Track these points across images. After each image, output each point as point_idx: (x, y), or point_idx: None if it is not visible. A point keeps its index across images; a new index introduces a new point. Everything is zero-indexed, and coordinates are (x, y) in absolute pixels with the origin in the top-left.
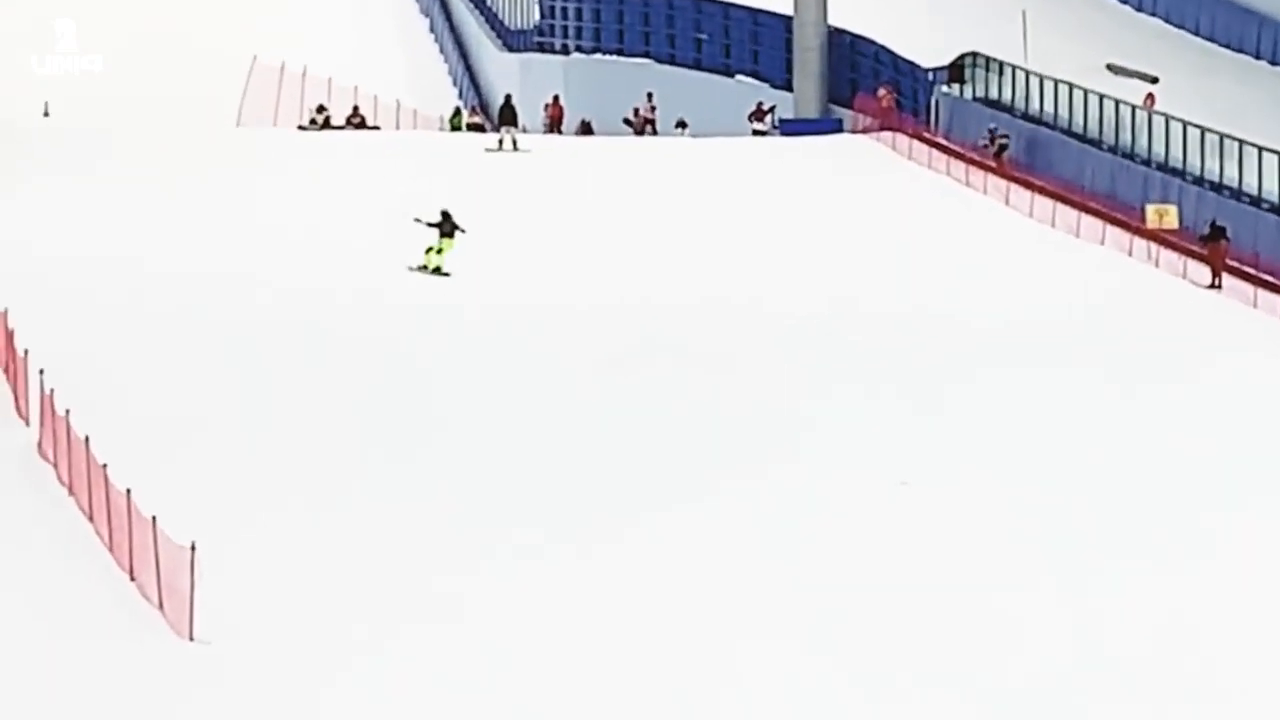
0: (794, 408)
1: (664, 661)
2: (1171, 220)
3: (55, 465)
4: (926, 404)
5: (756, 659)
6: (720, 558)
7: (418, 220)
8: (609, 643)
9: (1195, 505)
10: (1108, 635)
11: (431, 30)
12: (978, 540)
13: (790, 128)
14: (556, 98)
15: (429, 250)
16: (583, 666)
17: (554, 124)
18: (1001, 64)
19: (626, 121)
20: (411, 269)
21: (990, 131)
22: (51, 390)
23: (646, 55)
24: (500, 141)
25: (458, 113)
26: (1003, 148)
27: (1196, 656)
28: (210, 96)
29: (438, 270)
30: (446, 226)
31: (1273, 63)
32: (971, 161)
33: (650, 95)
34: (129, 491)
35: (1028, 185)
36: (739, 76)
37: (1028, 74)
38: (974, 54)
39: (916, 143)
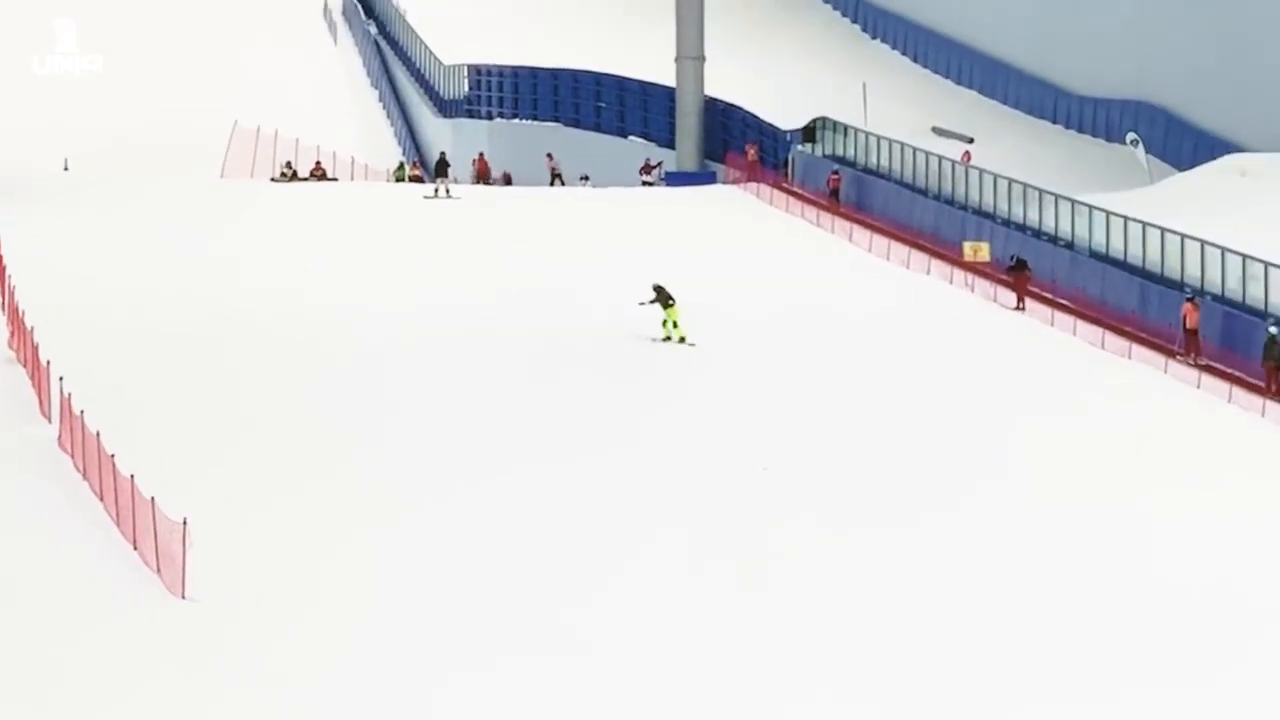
0: (678, 391)
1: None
2: (984, 255)
3: (72, 455)
4: (788, 390)
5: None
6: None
7: (641, 303)
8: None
9: (999, 449)
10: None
11: (380, 99)
12: (828, 487)
13: (674, 180)
14: (482, 154)
15: (664, 323)
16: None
17: (480, 176)
18: (846, 126)
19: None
20: (656, 340)
21: (830, 174)
22: (69, 394)
23: (555, 120)
24: (436, 190)
25: (401, 166)
26: (835, 191)
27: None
28: (198, 153)
29: (683, 340)
30: (662, 297)
31: (1066, 127)
32: (822, 207)
33: (550, 154)
34: (132, 476)
35: (861, 223)
36: (631, 137)
37: (867, 135)
38: (824, 118)
39: (777, 192)
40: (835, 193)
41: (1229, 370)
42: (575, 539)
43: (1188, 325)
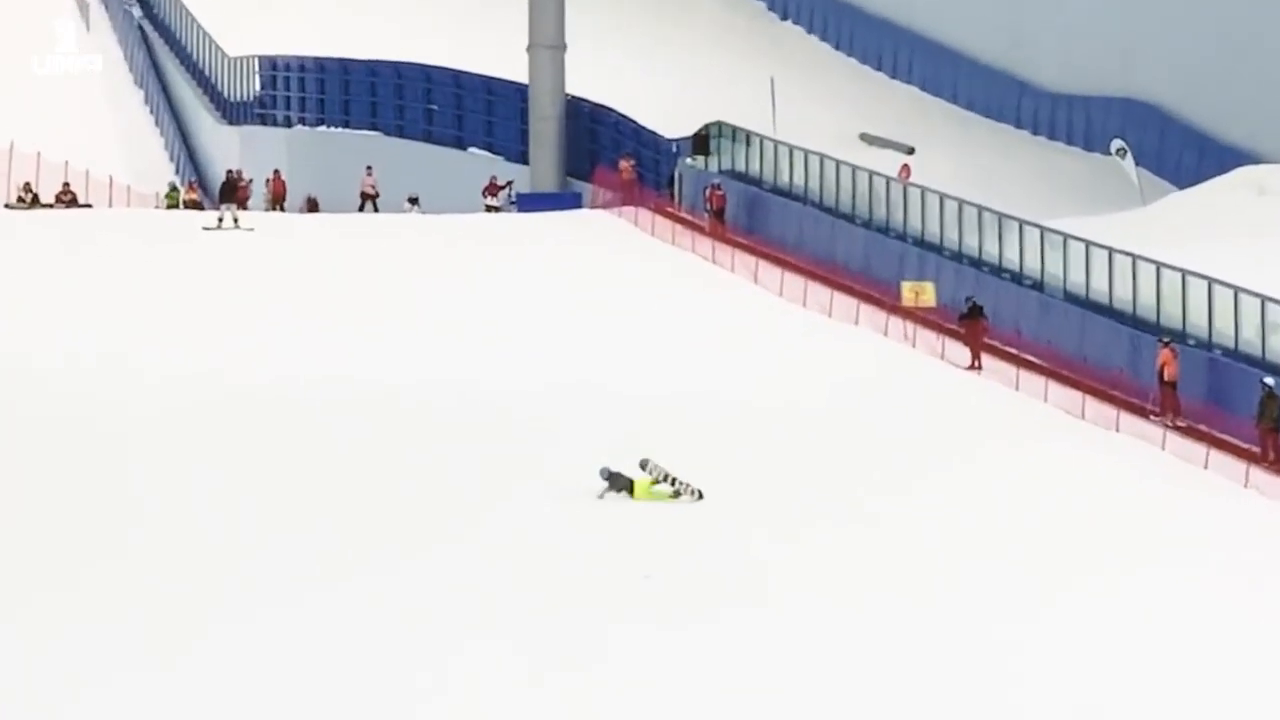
0: (526, 492)
1: None
2: (928, 298)
3: None
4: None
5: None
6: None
7: (601, 496)
8: None
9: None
10: None
11: (147, 102)
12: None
13: (527, 203)
14: (278, 172)
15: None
16: None
17: (277, 200)
18: (749, 134)
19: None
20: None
21: (708, 189)
22: None
23: (374, 127)
24: (220, 219)
25: (174, 189)
26: (720, 210)
27: None
28: None
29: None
30: (620, 485)
31: (1034, 132)
32: (714, 236)
33: (370, 168)
34: None
35: (768, 257)
36: (472, 149)
37: (776, 144)
38: (719, 124)
39: (660, 218)
40: (720, 213)
41: (1244, 444)
42: (400, 646)
43: (1165, 377)
